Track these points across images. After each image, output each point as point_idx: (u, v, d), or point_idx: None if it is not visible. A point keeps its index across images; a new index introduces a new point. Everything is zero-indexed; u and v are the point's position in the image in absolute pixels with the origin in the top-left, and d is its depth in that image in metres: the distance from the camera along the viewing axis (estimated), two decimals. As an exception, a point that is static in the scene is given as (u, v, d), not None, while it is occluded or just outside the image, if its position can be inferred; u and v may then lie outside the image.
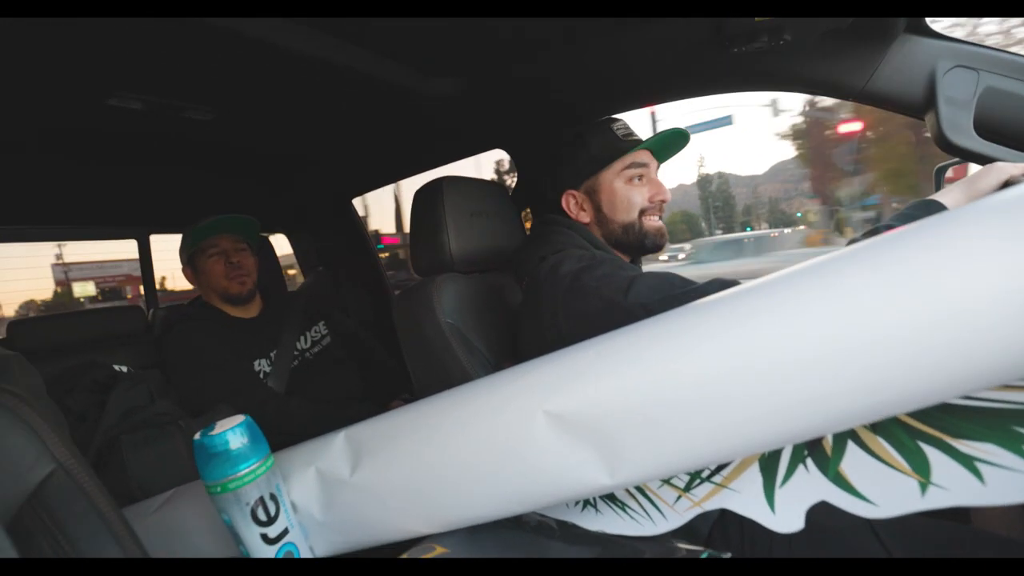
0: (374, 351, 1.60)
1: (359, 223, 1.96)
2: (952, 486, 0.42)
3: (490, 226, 1.04)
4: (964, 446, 0.43)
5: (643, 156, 0.92)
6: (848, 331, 0.40)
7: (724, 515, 0.74)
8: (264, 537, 0.54)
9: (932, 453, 0.44)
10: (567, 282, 0.78)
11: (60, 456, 0.51)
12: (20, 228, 1.53)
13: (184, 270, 1.40)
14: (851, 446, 0.47)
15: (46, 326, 1.34)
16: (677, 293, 0.70)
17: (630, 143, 0.90)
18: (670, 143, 0.94)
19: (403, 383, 1.46)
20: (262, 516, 0.54)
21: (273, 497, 0.56)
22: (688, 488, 0.52)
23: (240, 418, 0.55)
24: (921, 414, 0.45)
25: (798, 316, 0.42)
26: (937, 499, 0.43)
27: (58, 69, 0.81)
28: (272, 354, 1.35)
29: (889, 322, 0.39)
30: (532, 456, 0.48)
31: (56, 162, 1.18)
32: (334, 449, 0.58)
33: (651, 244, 0.91)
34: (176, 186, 1.50)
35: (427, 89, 1.08)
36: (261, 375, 1.31)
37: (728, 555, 0.50)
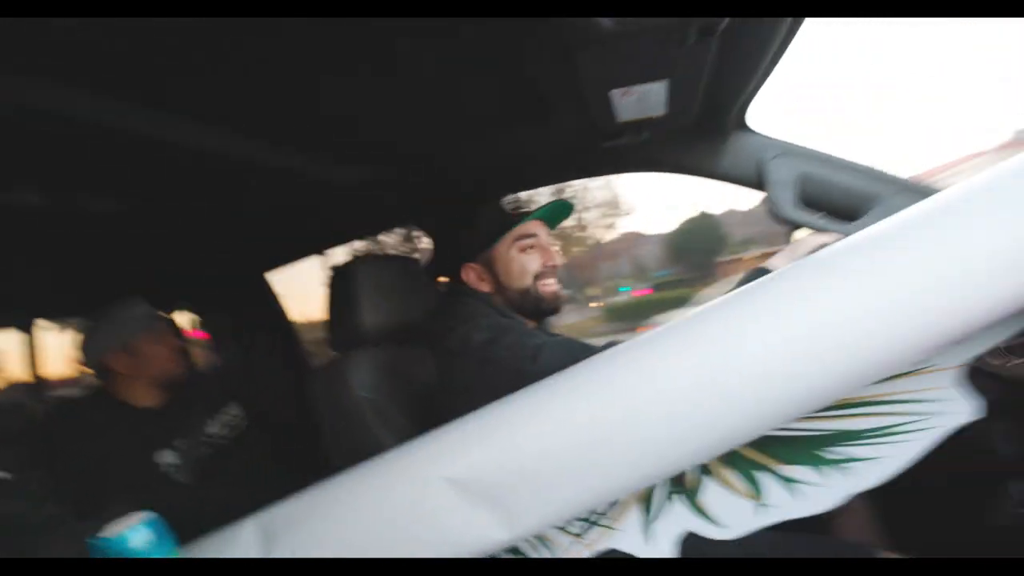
0: (294, 428, 1.54)
1: (274, 298, 1.93)
2: (778, 503, 0.52)
3: (402, 300, 1.10)
4: (784, 469, 0.53)
5: (532, 227, 1.00)
6: (686, 384, 0.50)
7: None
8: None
9: (762, 477, 0.54)
10: (478, 352, 0.84)
11: None
12: None
13: (116, 356, 1.30)
14: (705, 479, 0.56)
15: None
16: (580, 358, 0.78)
17: (517, 216, 1.00)
18: (556, 213, 1.05)
19: (322, 462, 1.42)
20: (167, 617, 0.53)
21: (179, 595, 0.55)
22: (582, 534, 0.59)
23: (142, 515, 0.55)
24: (756, 444, 0.55)
25: (646, 376, 0.52)
26: (766, 517, 0.52)
27: None
28: (177, 443, 1.27)
29: (719, 375, 0.49)
30: (436, 521, 0.53)
31: None
32: (243, 538, 0.59)
33: (547, 308, 0.99)
34: (75, 274, 1.43)
35: (338, 176, 1.16)
36: (164, 467, 1.23)
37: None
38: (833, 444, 0.53)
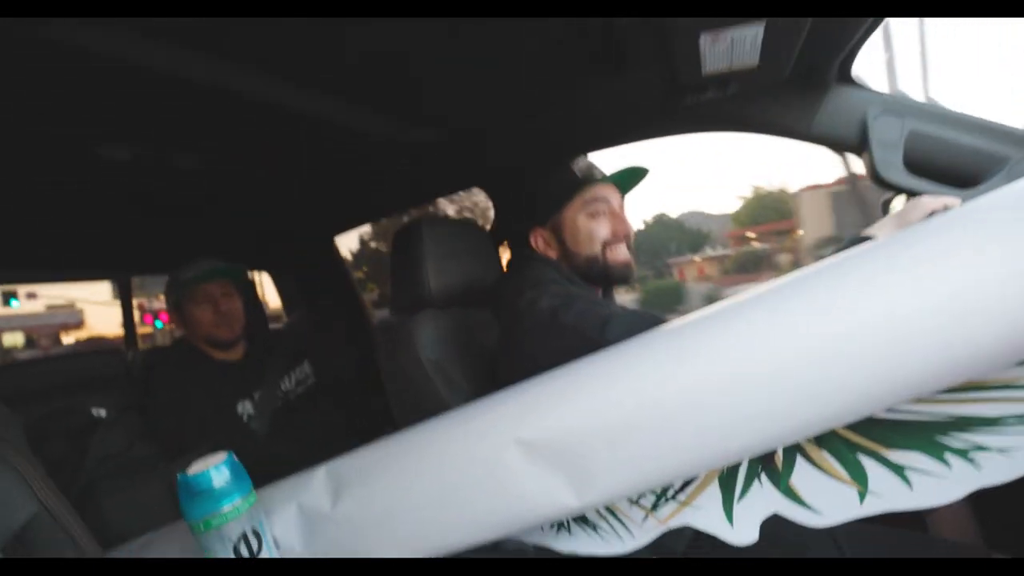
0: (360, 389, 1.61)
1: (341, 262, 1.99)
2: (885, 493, 0.47)
3: (467, 263, 1.08)
4: (895, 456, 0.47)
5: (603, 191, 0.95)
6: (786, 354, 0.45)
7: (698, 534, 0.77)
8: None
9: (868, 463, 0.48)
10: (545, 318, 0.81)
11: (44, 497, 0.52)
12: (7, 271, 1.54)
13: (170, 314, 1.41)
14: (799, 460, 0.51)
15: (22, 372, 1.33)
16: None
17: (589, 179, 0.95)
18: (628, 178, 0.99)
19: (388, 422, 1.47)
20: (245, 552, 0.56)
21: (256, 533, 0.57)
22: (655, 507, 0.56)
23: (222, 455, 0.57)
24: (857, 427, 0.50)
25: (744, 342, 0.47)
26: (873, 506, 0.47)
27: (51, 119, 0.84)
28: (256, 395, 1.35)
29: (816, 345, 0.44)
30: (505, 483, 0.51)
31: (45, 206, 1.21)
32: (315, 484, 0.60)
33: (617, 276, 0.95)
34: (160, 230, 1.53)
35: (407, 137, 1.15)
36: (245, 418, 1.31)
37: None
38: (958, 430, 0.46)
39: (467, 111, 1.10)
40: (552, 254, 0.97)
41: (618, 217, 0.96)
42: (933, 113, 0.92)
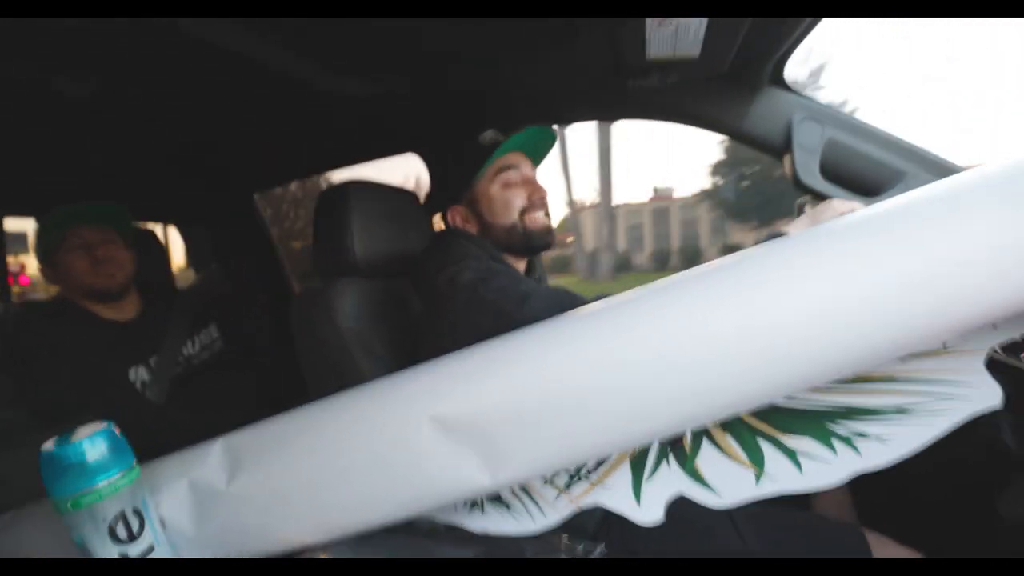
0: (271, 357, 1.51)
1: (261, 218, 1.85)
2: (779, 476, 0.50)
3: (397, 232, 1.04)
4: (789, 441, 0.51)
5: (512, 159, 0.94)
6: (696, 341, 0.46)
7: (607, 514, 0.80)
8: (124, 556, 0.50)
9: (766, 447, 0.51)
10: (465, 295, 0.80)
11: None
12: None
13: (41, 268, 1.22)
14: (705, 443, 0.54)
15: None
16: (569, 308, 0.75)
17: (491, 148, 0.92)
18: (535, 141, 0.97)
19: (302, 392, 1.40)
20: (122, 534, 0.50)
21: (137, 512, 0.52)
22: (568, 487, 0.56)
23: (100, 425, 0.51)
24: (759, 413, 0.52)
25: (658, 327, 0.47)
26: (767, 488, 0.50)
27: None
28: (151, 361, 1.23)
29: (723, 333, 0.45)
30: (419, 460, 0.49)
31: None
32: (210, 458, 0.56)
33: (538, 242, 0.94)
34: (38, 165, 1.33)
35: (340, 88, 1.07)
36: (138, 385, 1.19)
37: (599, 548, 0.55)
38: (844, 419, 0.50)
39: (407, 68, 1.04)
40: (472, 229, 0.95)
41: (531, 183, 0.95)
42: (849, 124, 0.98)
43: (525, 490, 0.57)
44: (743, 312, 0.45)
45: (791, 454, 0.50)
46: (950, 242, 0.43)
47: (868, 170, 0.99)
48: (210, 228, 1.89)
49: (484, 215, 0.93)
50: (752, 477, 0.51)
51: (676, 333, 0.47)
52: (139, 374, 1.21)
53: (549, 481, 0.56)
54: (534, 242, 0.93)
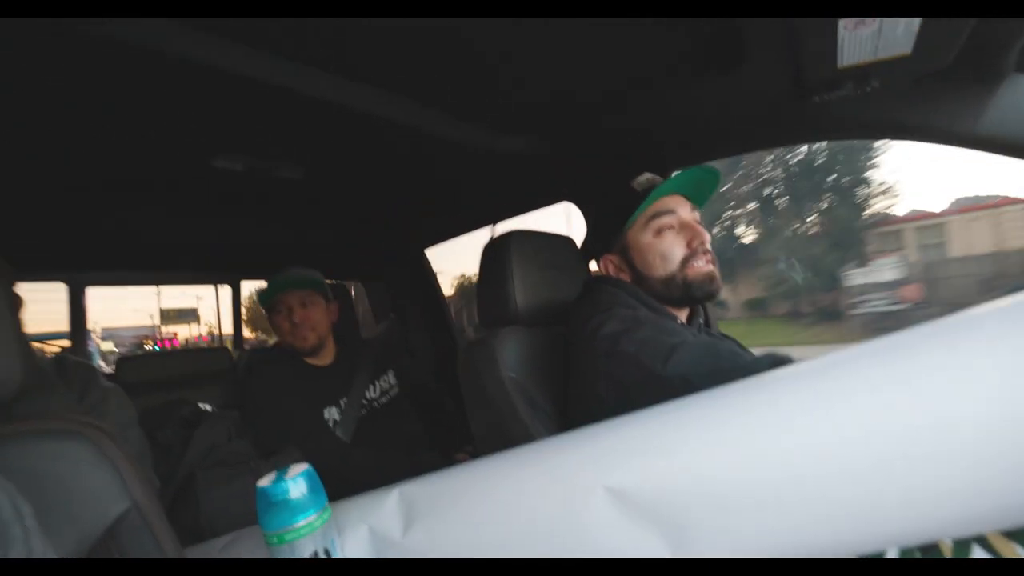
0: (441, 402, 1.60)
1: (431, 273, 2.03)
2: None
3: (557, 279, 1.03)
4: None
5: (669, 203, 0.86)
6: (943, 421, 0.34)
7: None
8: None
9: None
10: (605, 346, 0.75)
11: (136, 494, 0.53)
12: (126, 273, 1.72)
13: (269, 320, 1.49)
14: (976, 550, 0.39)
15: (148, 363, 1.47)
16: (725, 367, 0.64)
17: (643, 194, 0.85)
18: (696, 183, 0.87)
19: (468, 435, 1.45)
20: (315, 572, 0.53)
21: (327, 552, 0.54)
22: None
23: (302, 467, 0.56)
24: None
25: (885, 403, 0.36)
26: None
27: (169, 130, 0.91)
28: (342, 402, 1.39)
29: (993, 410, 0.33)
30: (590, 530, 0.44)
31: (161, 213, 1.33)
32: (387, 507, 0.57)
33: (700, 293, 0.84)
34: (265, 238, 1.64)
35: (500, 146, 1.12)
36: (331, 423, 1.34)
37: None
38: None
39: (559, 119, 1.06)
40: (625, 278, 0.89)
41: (689, 228, 0.85)
42: None
43: None
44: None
45: None
46: None
47: None
48: (388, 283, 2.12)
49: (637, 265, 0.87)
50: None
51: (910, 411, 0.35)
52: (331, 414, 1.36)
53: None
54: (694, 292, 0.84)
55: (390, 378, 1.54)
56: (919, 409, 0.36)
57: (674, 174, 0.87)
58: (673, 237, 0.85)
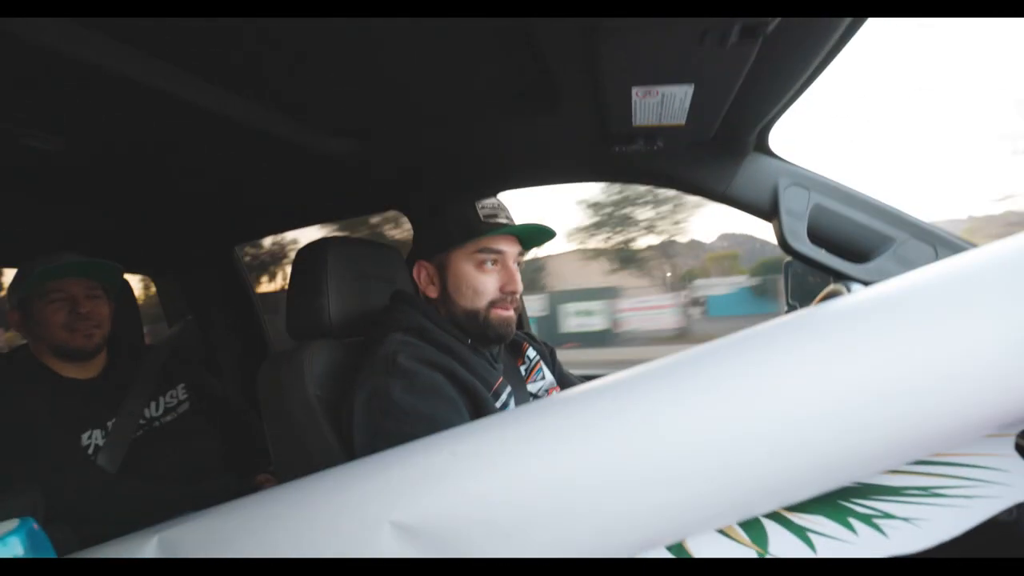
0: (245, 420, 1.42)
1: (241, 271, 1.81)
2: (786, 555, 0.44)
3: (376, 290, 1.00)
4: (798, 518, 0.45)
5: (502, 242, 0.87)
6: (697, 438, 0.42)
7: None
8: None
9: (769, 525, 0.46)
10: (380, 365, 0.77)
11: None
12: None
13: (9, 313, 1.15)
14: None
15: None
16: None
17: (488, 226, 0.85)
18: (535, 234, 0.91)
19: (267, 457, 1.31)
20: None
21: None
22: None
23: (13, 523, 0.44)
24: None
25: (649, 418, 0.43)
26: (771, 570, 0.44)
27: None
28: (109, 424, 1.15)
29: (720, 430, 0.41)
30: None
31: None
32: (144, 555, 0.48)
33: (494, 336, 0.87)
34: (18, 216, 1.29)
35: (323, 147, 1.06)
36: (91, 449, 1.10)
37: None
38: (860, 497, 0.45)
39: (390, 128, 1.04)
40: (432, 292, 0.89)
41: (509, 273, 0.87)
42: (836, 190, 0.98)
43: None
44: (754, 400, 0.42)
45: (800, 531, 0.45)
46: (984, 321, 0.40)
47: (856, 235, 0.99)
48: (187, 281, 1.82)
49: (449, 287, 0.87)
50: (754, 556, 0.45)
51: (679, 425, 0.42)
52: (93, 438, 1.12)
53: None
54: (489, 333, 0.87)
55: (179, 393, 1.32)
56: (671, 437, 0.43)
57: (525, 222, 0.88)
58: (491, 276, 0.86)
